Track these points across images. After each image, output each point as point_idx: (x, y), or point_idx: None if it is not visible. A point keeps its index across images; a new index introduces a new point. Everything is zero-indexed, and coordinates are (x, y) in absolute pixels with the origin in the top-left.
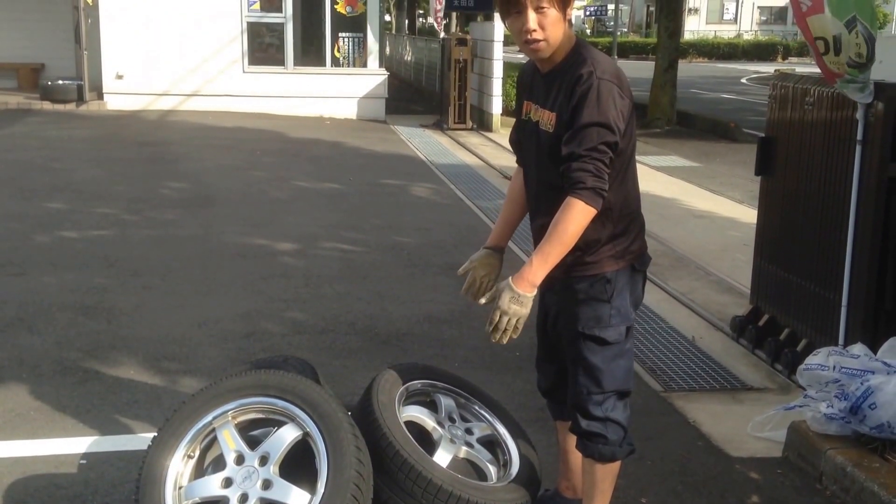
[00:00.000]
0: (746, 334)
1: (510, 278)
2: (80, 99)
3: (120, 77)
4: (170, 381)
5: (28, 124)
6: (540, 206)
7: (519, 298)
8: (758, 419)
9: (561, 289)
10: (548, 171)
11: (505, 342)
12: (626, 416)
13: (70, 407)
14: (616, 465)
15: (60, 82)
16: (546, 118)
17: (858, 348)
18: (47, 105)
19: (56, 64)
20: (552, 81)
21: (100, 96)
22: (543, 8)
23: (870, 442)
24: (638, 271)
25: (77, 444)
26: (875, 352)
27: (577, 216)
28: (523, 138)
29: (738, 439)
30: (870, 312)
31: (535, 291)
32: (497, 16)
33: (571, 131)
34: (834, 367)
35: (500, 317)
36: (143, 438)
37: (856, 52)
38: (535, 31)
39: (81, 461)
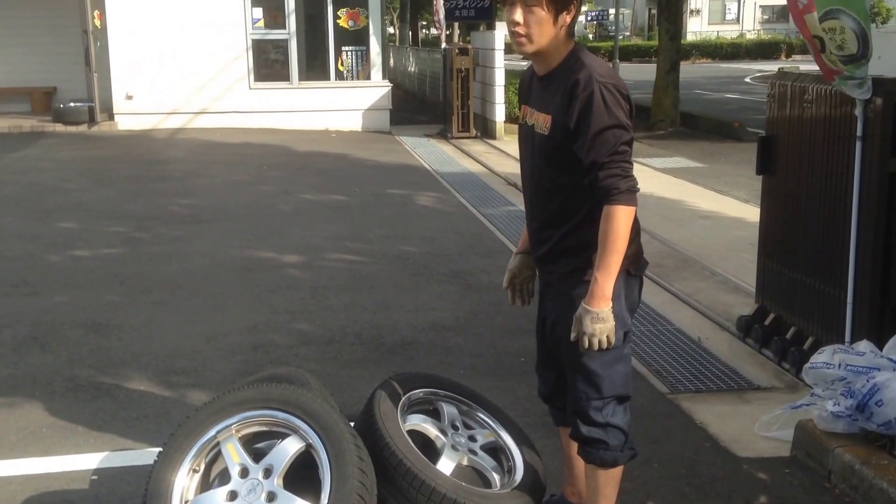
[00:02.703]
0: (752, 334)
1: (582, 303)
2: (92, 120)
3: (129, 98)
4: (179, 395)
5: (41, 146)
6: (535, 208)
7: (599, 315)
8: (765, 419)
9: (557, 295)
10: (542, 174)
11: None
12: (627, 420)
13: (82, 423)
14: (618, 471)
15: (72, 105)
16: (541, 121)
17: (864, 345)
18: (60, 127)
19: (68, 87)
20: (548, 85)
21: (111, 117)
22: (531, 5)
23: (877, 439)
24: (633, 276)
25: (89, 461)
26: (881, 348)
27: (622, 221)
28: (520, 141)
29: (745, 439)
30: (875, 309)
31: (610, 304)
32: (498, 25)
33: (586, 139)
34: (839, 365)
35: (590, 339)
36: (152, 453)
37: (836, 45)
38: (518, 24)
39: (93, 477)
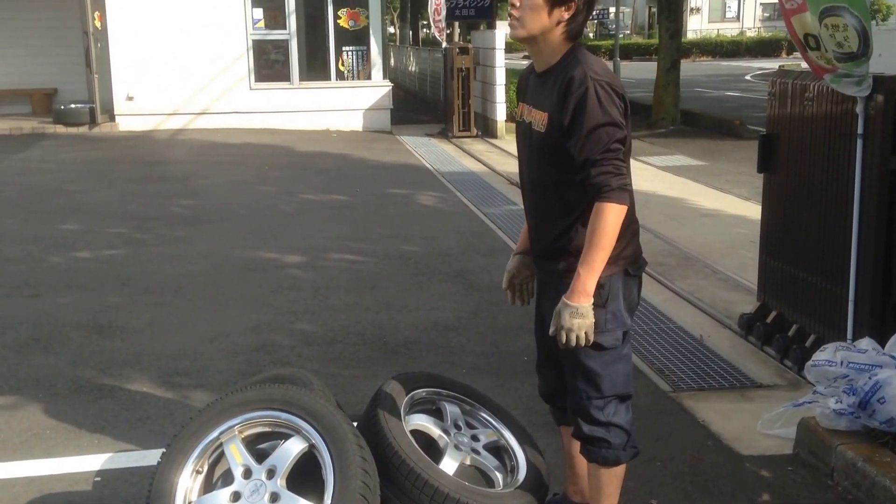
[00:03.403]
0: (754, 332)
1: (563, 297)
2: (93, 121)
3: (130, 99)
4: (182, 396)
5: (42, 148)
6: (533, 205)
7: (578, 311)
8: (767, 417)
9: (555, 295)
10: (539, 171)
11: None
12: (629, 419)
13: (85, 425)
14: (621, 469)
15: (73, 106)
16: (538, 118)
17: (866, 342)
18: (60, 129)
19: (68, 88)
20: (545, 82)
21: (111, 118)
22: None
23: (880, 436)
24: (632, 276)
25: (92, 462)
26: (883, 345)
27: (610, 219)
28: (518, 139)
29: (748, 437)
30: (877, 306)
31: (590, 300)
32: (499, 24)
33: (579, 137)
34: (842, 363)
35: (567, 334)
36: (155, 454)
37: (835, 42)
38: (515, 6)
39: (96, 478)
